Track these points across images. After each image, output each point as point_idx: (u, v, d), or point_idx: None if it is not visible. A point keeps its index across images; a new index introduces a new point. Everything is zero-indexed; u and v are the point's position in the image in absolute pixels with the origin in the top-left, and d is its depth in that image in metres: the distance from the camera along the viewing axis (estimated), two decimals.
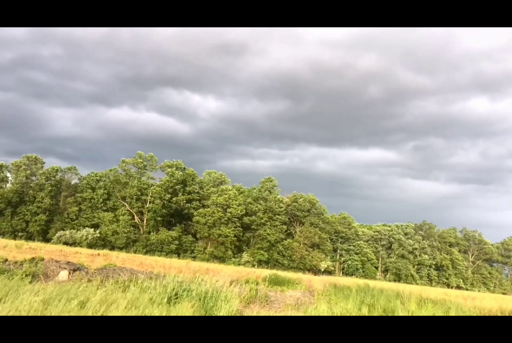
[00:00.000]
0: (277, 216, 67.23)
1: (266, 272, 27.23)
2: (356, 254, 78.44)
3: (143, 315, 7.67)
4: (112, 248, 57.01)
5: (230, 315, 10.02)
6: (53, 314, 6.56)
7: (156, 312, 8.00)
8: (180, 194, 64.49)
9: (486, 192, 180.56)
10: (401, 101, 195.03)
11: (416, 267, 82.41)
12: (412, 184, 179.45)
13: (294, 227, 71.17)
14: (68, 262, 18.89)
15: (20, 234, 59.33)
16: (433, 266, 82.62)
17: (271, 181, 70.97)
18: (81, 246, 52.27)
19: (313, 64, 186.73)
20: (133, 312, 7.64)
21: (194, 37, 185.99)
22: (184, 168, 69.35)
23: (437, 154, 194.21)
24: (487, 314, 16.71)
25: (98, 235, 58.76)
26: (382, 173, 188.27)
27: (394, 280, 75.29)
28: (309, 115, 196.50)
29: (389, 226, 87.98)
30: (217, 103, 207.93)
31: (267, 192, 68.96)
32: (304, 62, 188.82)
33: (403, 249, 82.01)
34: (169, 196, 62.85)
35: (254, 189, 70.94)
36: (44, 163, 65.81)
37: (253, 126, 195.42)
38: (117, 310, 7.41)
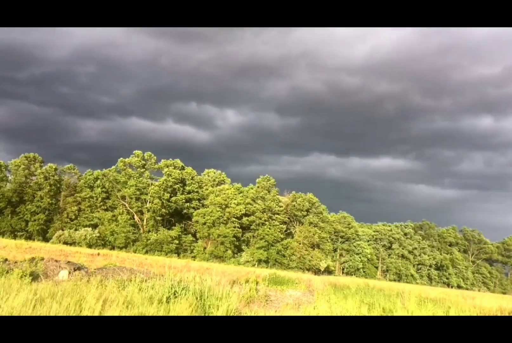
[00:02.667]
0: (276, 216, 67.19)
1: (265, 272, 27.24)
2: (357, 254, 78.49)
3: (141, 314, 7.65)
4: (112, 248, 57.02)
5: (229, 314, 10.00)
6: (49, 313, 6.54)
7: (154, 311, 7.98)
8: (179, 193, 64.42)
9: (489, 197, 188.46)
10: (411, 118, 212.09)
11: (416, 266, 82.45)
12: (419, 189, 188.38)
13: (293, 226, 71.18)
14: (68, 261, 18.87)
15: (19, 233, 59.28)
16: (433, 266, 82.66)
17: (269, 180, 70.76)
18: (80, 246, 52.29)
19: (332, 86, 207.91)
20: (131, 311, 7.62)
21: (226, 61, 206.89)
22: (183, 167, 69.21)
23: (443, 163, 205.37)
24: (487, 314, 16.70)
25: (98, 235, 58.76)
26: (391, 179, 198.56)
27: (394, 280, 75.37)
28: (325, 129, 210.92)
29: (389, 226, 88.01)
30: (236, 116, 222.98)
31: (265, 191, 68.84)
32: (324, 84, 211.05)
33: (403, 249, 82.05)
34: (168, 195, 62.78)
35: (252, 188, 70.76)
36: (43, 162, 65.72)
37: (270, 137, 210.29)
38: (115, 310, 7.39)
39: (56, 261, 18.16)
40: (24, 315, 6.29)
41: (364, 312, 14.64)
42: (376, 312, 15.01)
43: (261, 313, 11.29)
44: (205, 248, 62.89)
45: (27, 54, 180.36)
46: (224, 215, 62.11)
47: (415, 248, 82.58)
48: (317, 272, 64.65)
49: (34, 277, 13.46)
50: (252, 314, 10.64)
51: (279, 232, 65.87)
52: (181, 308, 8.69)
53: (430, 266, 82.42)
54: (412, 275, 79.19)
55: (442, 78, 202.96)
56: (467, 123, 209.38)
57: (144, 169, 66.57)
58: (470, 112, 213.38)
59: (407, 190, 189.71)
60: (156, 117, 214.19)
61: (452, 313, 15.53)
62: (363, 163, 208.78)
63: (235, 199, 64.36)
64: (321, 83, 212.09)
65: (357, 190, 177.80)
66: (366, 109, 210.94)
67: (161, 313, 8.15)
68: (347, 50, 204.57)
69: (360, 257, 77.95)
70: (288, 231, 70.35)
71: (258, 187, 69.69)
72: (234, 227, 62.47)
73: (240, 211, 63.46)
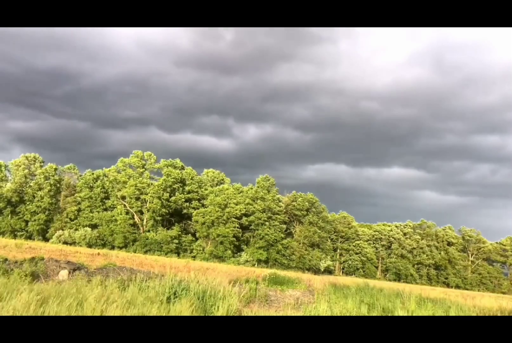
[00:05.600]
0: (276, 215, 67.14)
1: (265, 271, 27.23)
2: (356, 253, 78.51)
3: (141, 314, 7.66)
4: (112, 248, 57.01)
5: (229, 314, 10.02)
6: (50, 314, 6.55)
7: (154, 311, 7.99)
8: (178, 193, 64.38)
9: (491, 203, 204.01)
10: (423, 136, 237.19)
11: (415, 266, 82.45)
12: (424, 195, 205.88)
13: (293, 226, 71.16)
14: (68, 261, 18.88)
15: (19, 233, 59.29)
16: (432, 266, 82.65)
17: (269, 180, 70.66)
18: (80, 246, 52.30)
19: (352, 109, 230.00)
20: (131, 311, 7.63)
21: (255, 86, 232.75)
22: (183, 167, 69.19)
23: (450, 172, 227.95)
24: (487, 314, 16.73)
25: (97, 235, 58.77)
26: (399, 187, 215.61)
27: (394, 280, 75.39)
28: (341, 143, 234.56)
29: (389, 226, 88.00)
30: (256, 129, 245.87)
31: (265, 191, 68.74)
32: (345, 107, 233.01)
33: (402, 249, 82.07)
34: (168, 195, 62.76)
35: (252, 188, 70.68)
36: (43, 162, 65.71)
37: (287, 149, 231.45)
38: (116, 309, 7.40)
39: (56, 260, 18.16)
40: (25, 315, 6.30)
41: (364, 312, 14.66)
42: (376, 312, 15.03)
43: (261, 313, 11.30)
44: (204, 248, 62.88)
45: (74, 76, 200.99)
46: (224, 214, 62.08)
47: (414, 248, 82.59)
48: (317, 271, 64.66)
49: (35, 276, 13.48)
50: (252, 314, 10.65)
51: (279, 231, 65.83)
52: (182, 308, 8.70)
53: (429, 266, 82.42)
54: (411, 275, 79.21)
55: (453, 105, 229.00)
56: (475, 140, 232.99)
57: (144, 169, 66.56)
58: (477, 132, 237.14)
59: (412, 195, 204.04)
60: (180, 130, 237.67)
61: (452, 313, 15.55)
62: (374, 172, 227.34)
63: (234, 199, 64.31)
64: (342, 106, 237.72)
65: (366, 195, 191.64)
66: (381, 129, 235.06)
67: (162, 313, 8.17)
68: (371, 80, 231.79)
69: (359, 257, 77.97)
70: (288, 231, 70.30)
71: (258, 187, 69.60)
72: (234, 227, 62.45)
73: (240, 211, 63.42)
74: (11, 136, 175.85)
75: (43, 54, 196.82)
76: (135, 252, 53.95)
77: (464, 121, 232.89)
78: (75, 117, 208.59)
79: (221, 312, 9.83)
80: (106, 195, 65.60)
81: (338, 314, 12.90)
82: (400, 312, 14.47)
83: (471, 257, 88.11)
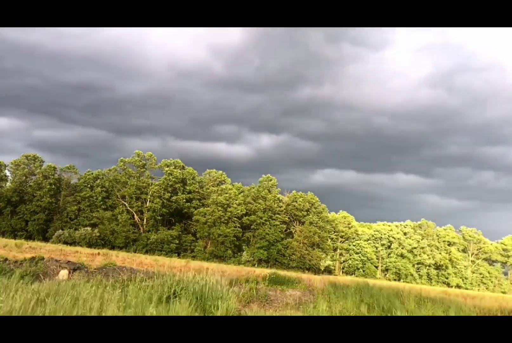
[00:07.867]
0: (277, 215, 67.16)
1: (266, 271, 27.23)
2: (356, 253, 78.50)
3: (140, 314, 7.65)
4: (112, 247, 56.97)
5: (229, 314, 10.01)
6: (49, 313, 6.54)
7: (153, 311, 7.98)
8: (179, 192, 64.41)
9: (491, 207, 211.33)
10: (430, 147, 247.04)
11: (415, 266, 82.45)
12: (428, 199, 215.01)
13: (294, 226, 71.17)
14: (68, 261, 18.90)
15: (19, 233, 59.26)
16: (433, 265, 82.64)
17: (270, 180, 70.71)
18: (80, 245, 52.28)
19: (364, 123, 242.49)
20: (130, 311, 7.62)
21: (273, 103, 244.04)
22: (183, 167, 69.20)
23: (454, 179, 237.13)
24: (487, 314, 16.72)
25: (98, 234, 58.75)
26: (404, 192, 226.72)
27: (394, 280, 75.40)
28: (350, 152, 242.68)
29: (389, 225, 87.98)
30: (270, 140, 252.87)
31: (266, 191, 68.78)
32: (357, 122, 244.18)
33: (402, 248, 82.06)
34: (169, 194, 62.76)
35: (253, 187, 70.72)
36: (43, 162, 65.69)
37: (298, 156, 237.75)
38: (115, 309, 7.39)
39: (56, 260, 18.18)
40: (24, 315, 6.29)
41: (364, 311, 14.65)
42: (376, 312, 15.02)
43: (261, 313, 11.29)
44: (205, 248, 62.88)
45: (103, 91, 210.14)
46: (225, 214, 62.10)
47: (415, 248, 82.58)
48: (317, 271, 64.65)
49: (35, 276, 13.48)
50: (252, 314, 10.65)
51: (279, 231, 65.84)
52: (181, 308, 8.69)
53: (430, 266, 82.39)
54: (411, 275, 79.21)
55: (460, 122, 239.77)
56: (478, 151, 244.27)
57: (144, 169, 66.55)
58: (482, 145, 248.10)
59: (415, 199, 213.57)
60: (196, 138, 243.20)
61: (452, 313, 15.54)
62: (380, 178, 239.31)
63: (236, 199, 64.33)
64: (354, 121, 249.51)
65: (371, 199, 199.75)
66: (390, 141, 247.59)
67: (161, 313, 8.16)
68: (384, 98, 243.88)
69: (359, 257, 77.97)
70: (288, 231, 70.33)
71: (259, 187, 69.68)
72: (235, 227, 62.45)
73: (241, 211, 63.47)
74: (42, 145, 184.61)
75: (78, 72, 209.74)
76: (135, 252, 53.95)
77: (468, 135, 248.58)
78: (99, 126, 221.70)
79: (220, 312, 9.82)
80: (107, 194, 65.58)
81: (338, 314, 12.89)
82: (400, 312, 14.46)
83: (472, 256, 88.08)
